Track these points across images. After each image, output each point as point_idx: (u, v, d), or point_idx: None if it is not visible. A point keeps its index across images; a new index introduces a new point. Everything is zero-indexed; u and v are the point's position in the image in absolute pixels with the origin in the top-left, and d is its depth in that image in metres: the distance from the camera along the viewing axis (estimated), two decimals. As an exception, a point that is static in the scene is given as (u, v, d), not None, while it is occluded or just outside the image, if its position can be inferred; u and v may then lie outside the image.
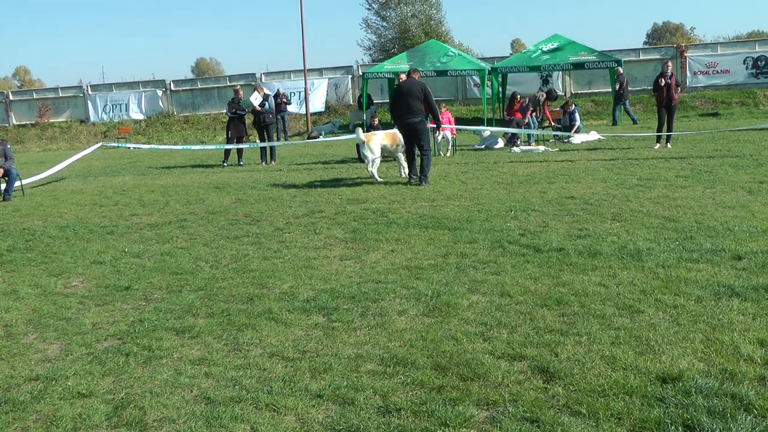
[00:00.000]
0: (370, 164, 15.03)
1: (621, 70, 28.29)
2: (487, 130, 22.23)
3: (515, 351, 5.24)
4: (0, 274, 8.78)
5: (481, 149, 21.22)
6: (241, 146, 20.87)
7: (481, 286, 6.88)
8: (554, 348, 5.25)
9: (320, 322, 6.20)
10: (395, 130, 15.12)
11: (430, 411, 4.38)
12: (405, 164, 15.15)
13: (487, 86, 29.62)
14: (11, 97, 42.66)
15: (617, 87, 27.63)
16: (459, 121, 24.43)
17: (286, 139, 27.13)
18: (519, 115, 22.15)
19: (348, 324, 6.07)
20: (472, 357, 5.18)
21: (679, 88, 18.36)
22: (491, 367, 4.98)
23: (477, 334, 5.64)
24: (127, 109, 39.91)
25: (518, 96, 23.28)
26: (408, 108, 14.12)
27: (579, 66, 28.90)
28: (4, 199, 16.11)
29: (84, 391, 5.07)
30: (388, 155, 15.72)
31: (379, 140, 14.97)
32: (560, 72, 30.87)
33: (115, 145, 26.84)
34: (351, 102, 36.40)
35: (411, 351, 5.37)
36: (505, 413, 4.31)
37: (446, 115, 20.72)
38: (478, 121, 28.97)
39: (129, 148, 28.82)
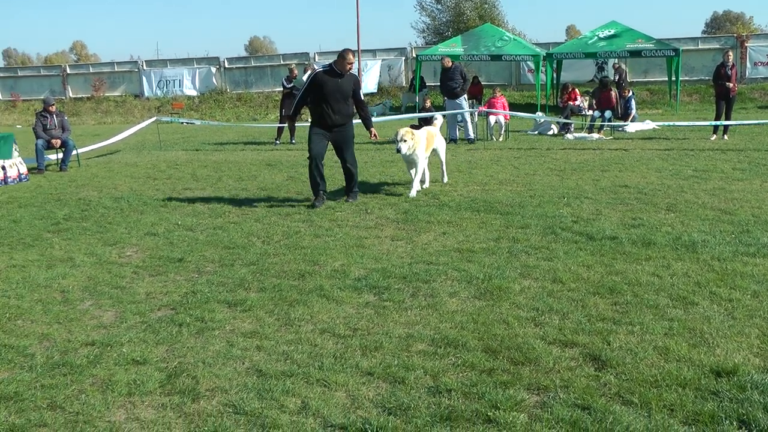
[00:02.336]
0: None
1: (617, 62, 27.99)
2: (542, 118, 22.05)
3: (567, 337, 5.21)
4: (57, 241, 8.95)
5: (534, 135, 21.04)
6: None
7: (533, 272, 6.84)
8: (606, 336, 5.20)
9: (371, 300, 6.22)
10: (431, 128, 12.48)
11: (480, 393, 4.38)
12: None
13: (542, 72, 29.34)
14: (68, 71, 43.28)
15: (615, 78, 26.99)
16: (512, 106, 24.21)
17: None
18: (574, 102, 21.91)
19: (399, 304, 6.08)
20: (523, 341, 5.15)
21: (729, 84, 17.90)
22: (542, 353, 4.95)
23: (528, 319, 5.62)
24: (180, 86, 40.25)
25: (570, 86, 23.07)
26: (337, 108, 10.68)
27: (636, 54, 28.46)
28: (60, 170, 16.40)
29: (138, 358, 5.16)
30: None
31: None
32: (616, 59, 30.42)
33: (169, 120, 27.07)
34: (403, 84, 36.31)
35: (462, 333, 5.37)
36: (556, 399, 4.28)
37: (500, 100, 20.58)
38: (531, 107, 28.72)
39: (182, 123, 29.08)
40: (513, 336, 5.27)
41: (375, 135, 11.30)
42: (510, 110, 21.60)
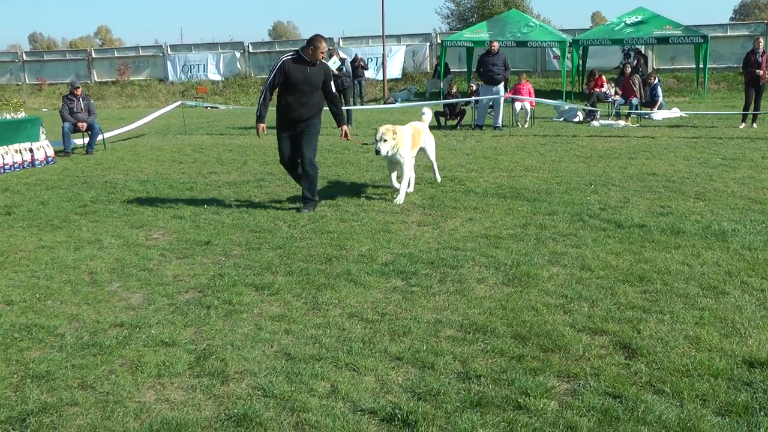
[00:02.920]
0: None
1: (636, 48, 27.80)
2: (567, 106, 21.90)
3: (596, 325, 5.17)
4: (84, 223, 9.00)
5: (560, 122, 20.91)
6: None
7: (561, 259, 6.79)
8: (636, 325, 5.16)
9: (399, 285, 6.20)
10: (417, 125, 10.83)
11: (510, 379, 4.35)
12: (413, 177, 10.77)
13: (567, 59, 29.13)
14: (93, 55, 43.50)
15: (634, 63, 26.52)
16: (537, 93, 24.06)
17: (362, 104, 27.09)
18: (600, 89, 21.74)
19: (427, 289, 6.06)
20: (552, 328, 5.12)
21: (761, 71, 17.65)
22: (572, 340, 4.92)
23: (557, 306, 5.58)
24: (205, 70, 40.34)
25: (597, 72, 22.90)
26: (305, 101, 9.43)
27: (663, 41, 28.20)
28: (87, 152, 16.49)
29: (167, 340, 5.18)
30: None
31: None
32: (643, 46, 30.13)
33: (194, 104, 27.14)
34: (428, 70, 36.19)
35: (490, 319, 5.34)
36: (587, 387, 4.25)
37: (526, 87, 20.45)
38: (556, 93, 28.55)
39: (206, 108, 29.15)
40: (542, 323, 5.24)
41: (346, 134, 9.96)
42: (535, 97, 21.46)
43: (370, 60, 34.87)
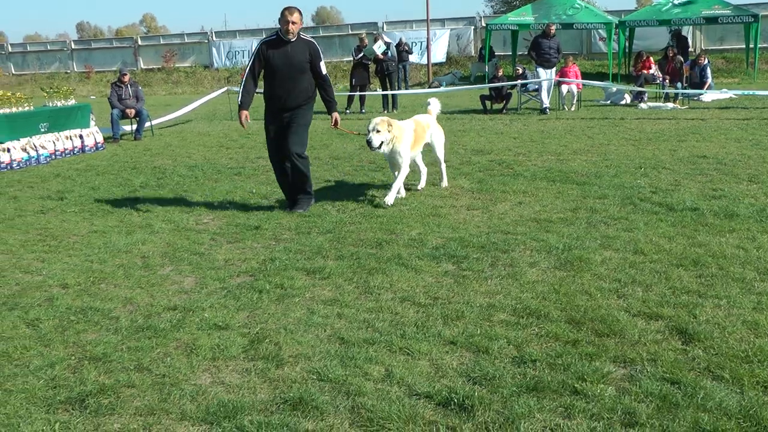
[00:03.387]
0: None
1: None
2: (615, 87, 21.61)
3: (651, 310, 5.10)
4: (135, 208, 9.09)
5: (607, 105, 20.65)
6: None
7: (614, 243, 6.71)
8: (692, 309, 5.08)
9: (450, 269, 6.18)
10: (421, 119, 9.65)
11: (566, 364, 4.31)
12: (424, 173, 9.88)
13: (614, 40, 28.72)
14: (140, 43, 43.88)
15: (673, 43, 25.50)
16: (583, 75, 23.73)
17: (406, 88, 27.01)
18: (648, 71, 21.40)
19: (479, 273, 6.02)
20: (606, 313, 5.06)
21: None
22: (627, 325, 4.86)
23: (611, 291, 5.52)
24: (249, 56, 40.50)
25: (644, 54, 22.53)
26: (289, 86, 8.49)
27: (712, 21, 27.63)
28: (135, 138, 16.66)
29: (220, 323, 5.22)
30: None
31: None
32: (691, 27, 29.58)
33: (239, 90, 27.31)
34: (472, 53, 35.94)
35: (544, 303, 5.30)
36: (644, 372, 4.20)
37: (573, 69, 20.21)
38: (602, 76, 28.20)
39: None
40: (596, 307, 5.18)
41: (336, 122, 8.87)
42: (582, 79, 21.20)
43: (414, 44, 34.69)
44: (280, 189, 9.02)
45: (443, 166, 9.81)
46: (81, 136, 14.87)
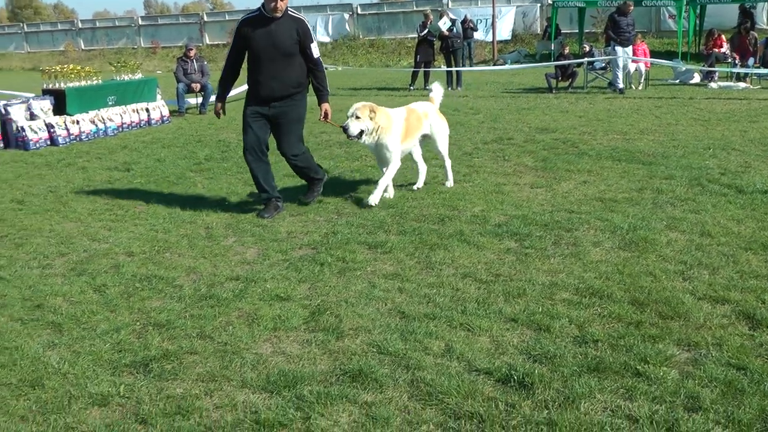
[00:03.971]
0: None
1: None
2: (684, 66, 21.12)
3: (717, 293, 4.99)
4: (199, 180, 9.21)
5: (675, 84, 20.23)
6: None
7: (680, 224, 6.58)
8: (761, 294, 4.95)
9: (512, 247, 6.13)
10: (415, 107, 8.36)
11: (628, 345, 4.25)
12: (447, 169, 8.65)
13: (684, 18, 28.05)
14: (205, 18, 44.28)
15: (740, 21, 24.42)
16: (652, 54, 23.23)
17: (471, 66, 26.81)
18: (719, 49, 20.87)
19: (541, 251, 5.97)
20: (671, 295, 4.97)
21: None
22: (692, 308, 4.76)
23: (676, 273, 5.41)
24: (314, 32, 40.37)
25: (716, 31, 21.94)
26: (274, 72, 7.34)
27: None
28: (200, 112, 16.85)
29: (282, 295, 5.26)
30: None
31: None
32: (765, 3, 28.70)
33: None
34: (538, 31, 35.50)
35: (607, 283, 5.22)
36: (708, 357, 4.11)
37: (641, 47, 19.81)
38: (671, 54, 27.59)
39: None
40: (660, 289, 5.09)
41: (327, 114, 7.72)
42: (651, 58, 20.77)
43: (479, 21, 34.34)
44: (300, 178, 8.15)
45: (447, 162, 8.53)
46: (147, 110, 15.09)
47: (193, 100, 17.58)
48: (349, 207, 7.62)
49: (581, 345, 4.30)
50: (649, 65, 19.85)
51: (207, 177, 9.39)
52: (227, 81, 7.71)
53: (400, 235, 6.55)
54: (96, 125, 13.60)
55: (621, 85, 18.33)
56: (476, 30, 30.40)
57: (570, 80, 19.36)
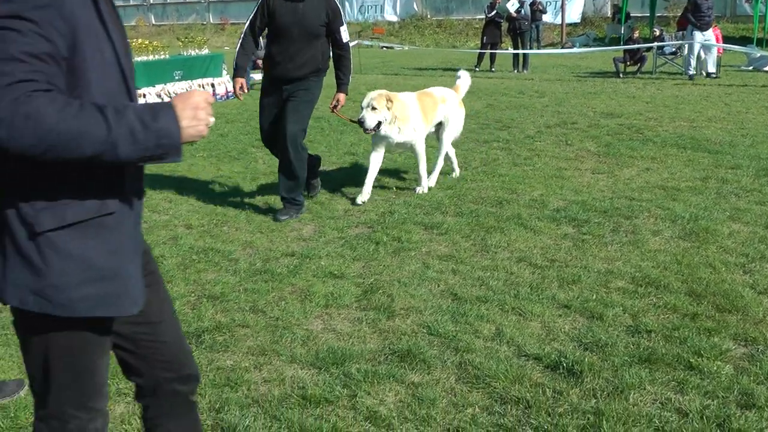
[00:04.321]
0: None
1: None
2: (758, 52, 20.56)
3: (779, 288, 4.87)
4: (261, 156, 9.29)
5: (749, 71, 19.71)
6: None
7: (744, 215, 6.42)
8: (825, 290, 4.83)
9: (570, 232, 6.06)
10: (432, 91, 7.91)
11: (682, 338, 4.17)
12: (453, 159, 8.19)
13: (761, 2, 27.28)
14: (275, -7, 44.51)
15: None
16: (725, 39, 22.68)
17: (538, 48, 26.50)
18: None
19: (599, 238, 5.88)
20: (730, 288, 4.86)
21: None
22: (751, 302, 4.65)
23: (737, 265, 5.29)
24: (382, 11, 40.46)
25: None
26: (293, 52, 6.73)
27: None
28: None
29: (336, 272, 5.29)
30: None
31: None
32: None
33: (369, 44, 27.39)
34: (608, 14, 34.90)
35: (664, 273, 5.13)
36: (766, 353, 4.01)
37: (715, 32, 19.32)
38: (745, 40, 26.90)
39: (382, 48, 29.33)
40: (719, 281, 4.98)
41: (339, 104, 7.17)
42: (724, 43, 20.26)
43: (548, 3, 33.89)
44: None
45: (443, 152, 7.82)
46: (213, 85, 15.26)
47: (258, 76, 17.70)
48: (407, 187, 7.61)
49: (634, 335, 4.24)
50: (721, 51, 19.36)
51: (268, 153, 9.39)
52: (247, 54, 7.04)
53: (457, 217, 6.52)
54: (162, 99, 13.79)
55: (692, 72, 17.90)
56: (545, 12, 30.03)
57: (639, 65, 19.01)
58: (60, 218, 2.04)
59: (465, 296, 4.81)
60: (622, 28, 27.72)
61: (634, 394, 3.61)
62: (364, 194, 7.10)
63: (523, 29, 20.62)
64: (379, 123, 6.98)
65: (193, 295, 5.01)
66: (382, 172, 7.88)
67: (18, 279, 2.07)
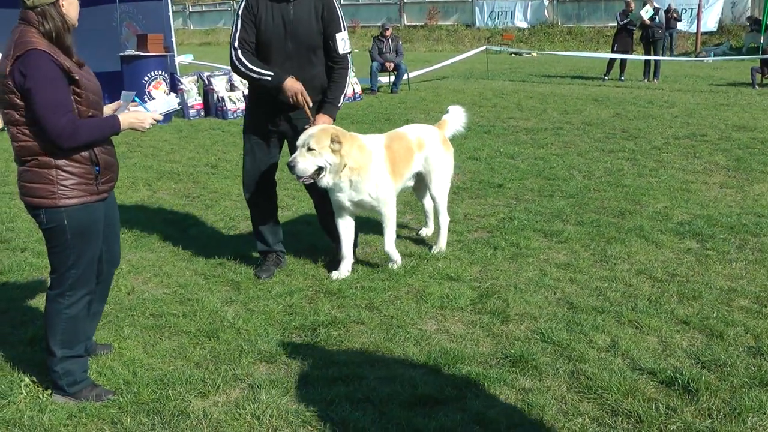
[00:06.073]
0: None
1: None
2: None
3: None
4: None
5: None
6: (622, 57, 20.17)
7: None
8: None
9: (693, 247, 5.90)
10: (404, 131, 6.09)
11: (809, 362, 4.01)
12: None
13: None
14: (405, 0, 44.81)
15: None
16: None
17: (671, 57, 25.77)
18: None
19: (723, 254, 5.71)
20: None
21: None
22: None
23: None
24: (512, 17, 40.20)
25: None
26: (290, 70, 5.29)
27: None
28: (392, 91, 17.14)
29: (452, 275, 5.33)
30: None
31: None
32: None
33: (498, 49, 27.29)
34: (747, 23, 33.64)
35: (792, 294, 4.94)
36: None
37: None
38: None
39: (511, 54, 29.17)
40: None
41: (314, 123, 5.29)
42: None
43: (683, 11, 32.94)
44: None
45: (443, 219, 6.00)
46: (343, 85, 15.50)
47: (385, 79, 17.90)
48: (528, 193, 7.56)
49: (756, 356, 4.10)
50: None
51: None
52: (251, 60, 5.24)
53: (578, 226, 6.45)
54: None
55: None
56: (680, 20, 29.19)
57: (777, 77, 18.25)
58: None
59: (581, 305, 4.77)
60: (762, 38, 26.69)
61: (752, 417, 3.50)
62: (342, 270, 5.44)
63: (656, 37, 20.07)
64: (319, 169, 5.12)
65: (311, 289, 5.14)
66: (506, 177, 7.85)
67: None
